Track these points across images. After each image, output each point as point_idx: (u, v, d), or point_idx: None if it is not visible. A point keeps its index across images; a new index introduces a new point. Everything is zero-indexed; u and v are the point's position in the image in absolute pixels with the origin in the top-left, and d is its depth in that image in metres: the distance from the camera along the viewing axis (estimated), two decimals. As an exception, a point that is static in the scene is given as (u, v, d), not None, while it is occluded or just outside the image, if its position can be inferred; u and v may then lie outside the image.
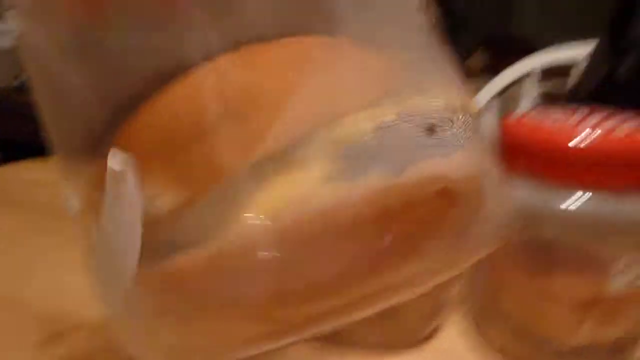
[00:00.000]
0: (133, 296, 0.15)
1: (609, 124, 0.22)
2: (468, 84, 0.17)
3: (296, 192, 0.13)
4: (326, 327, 0.15)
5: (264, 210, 0.13)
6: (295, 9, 0.15)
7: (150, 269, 0.14)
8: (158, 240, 0.14)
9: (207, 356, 0.16)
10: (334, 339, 0.27)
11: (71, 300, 0.31)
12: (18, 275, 0.35)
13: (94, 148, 0.15)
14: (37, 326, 0.29)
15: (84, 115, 0.15)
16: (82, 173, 0.16)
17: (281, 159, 0.13)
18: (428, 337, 0.28)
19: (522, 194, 0.23)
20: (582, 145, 0.21)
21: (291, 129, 0.13)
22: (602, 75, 0.35)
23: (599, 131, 0.21)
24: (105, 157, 0.14)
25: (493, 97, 0.44)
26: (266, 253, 0.13)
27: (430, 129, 0.14)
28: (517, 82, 0.46)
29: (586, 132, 0.21)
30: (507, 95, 0.45)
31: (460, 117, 0.15)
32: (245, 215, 0.13)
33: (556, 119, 0.23)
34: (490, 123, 0.38)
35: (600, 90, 0.34)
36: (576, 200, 0.22)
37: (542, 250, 0.23)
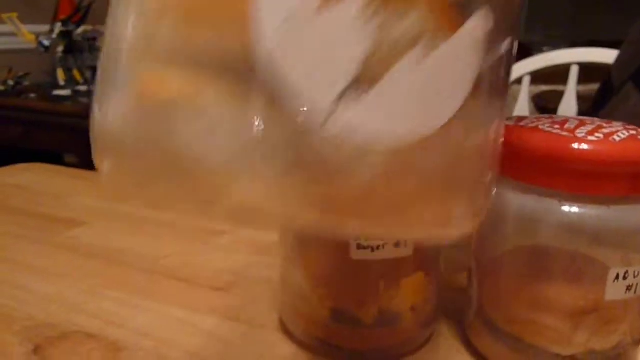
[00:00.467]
0: None
1: (604, 131, 0.22)
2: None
3: None
4: None
5: None
6: None
7: None
8: None
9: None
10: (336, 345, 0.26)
11: (57, 310, 0.31)
12: (1, 284, 0.34)
13: None
14: (22, 337, 0.28)
15: None
16: None
17: None
18: (424, 344, 0.28)
19: (518, 200, 0.23)
20: (578, 152, 0.21)
21: None
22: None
23: (594, 138, 0.21)
24: None
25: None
26: None
27: None
28: (511, 85, 0.46)
29: (582, 139, 0.21)
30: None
31: None
32: None
33: (551, 126, 0.23)
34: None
35: None
36: (572, 207, 0.21)
37: (537, 257, 0.23)
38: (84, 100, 1.53)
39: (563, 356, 0.23)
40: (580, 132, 0.22)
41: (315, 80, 0.14)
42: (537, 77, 0.93)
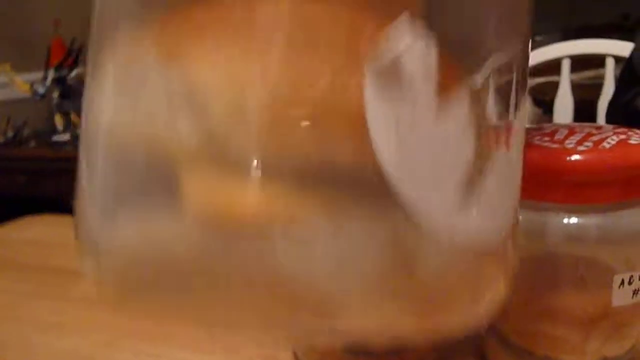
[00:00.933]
0: None
1: (593, 139, 0.22)
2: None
3: None
4: None
5: None
6: None
7: None
8: None
9: None
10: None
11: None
12: (15, 344, 0.34)
13: None
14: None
15: None
16: None
17: None
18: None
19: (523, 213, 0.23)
20: (570, 165, 0.21)
21: None
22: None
23: (584, 148, 0.21)
24: None
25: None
26: None
27: None
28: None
29: (572, 150, 0.21)
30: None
31: None
32: None
33: (540, 139, 0.23)
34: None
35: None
36: (571, 218, 0.22)
37: (542, 269, 0.23)
38: (84, 142, 1.54)
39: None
40: (570, 143, 0.22)
41: (431, 197, 0.12)
42: (531, 70, 0.93)
